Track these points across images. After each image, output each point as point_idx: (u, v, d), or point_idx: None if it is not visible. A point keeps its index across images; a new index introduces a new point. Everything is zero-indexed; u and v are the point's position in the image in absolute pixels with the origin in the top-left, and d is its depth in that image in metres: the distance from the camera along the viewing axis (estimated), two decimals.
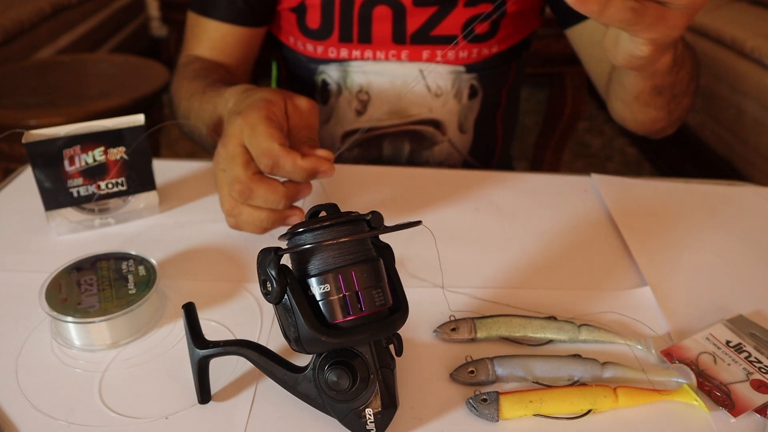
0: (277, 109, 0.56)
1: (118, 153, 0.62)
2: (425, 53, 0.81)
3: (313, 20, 0.81)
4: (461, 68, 0.83)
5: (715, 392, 0.46)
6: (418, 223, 0.41)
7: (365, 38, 0.80)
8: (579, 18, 0.78)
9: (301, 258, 0.40)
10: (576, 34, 0.81)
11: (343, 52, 0.82)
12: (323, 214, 0.43)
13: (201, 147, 0.80)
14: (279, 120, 0.56)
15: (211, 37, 0.82)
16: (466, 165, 0.91)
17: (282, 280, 0.39)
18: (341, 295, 0.39)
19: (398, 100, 0.83)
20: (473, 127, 0.88)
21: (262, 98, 0.56)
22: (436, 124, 0.86)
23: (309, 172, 0.54)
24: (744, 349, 0.50)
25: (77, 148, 0.60)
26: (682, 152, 2.39)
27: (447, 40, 0.80)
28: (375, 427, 0.41)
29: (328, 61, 0.83)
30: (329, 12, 0.80)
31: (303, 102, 0.59)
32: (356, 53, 0.82)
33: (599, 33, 0.76)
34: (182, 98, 0.75)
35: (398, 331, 0.43)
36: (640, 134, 0.80)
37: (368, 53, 0.81)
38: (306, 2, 0.80)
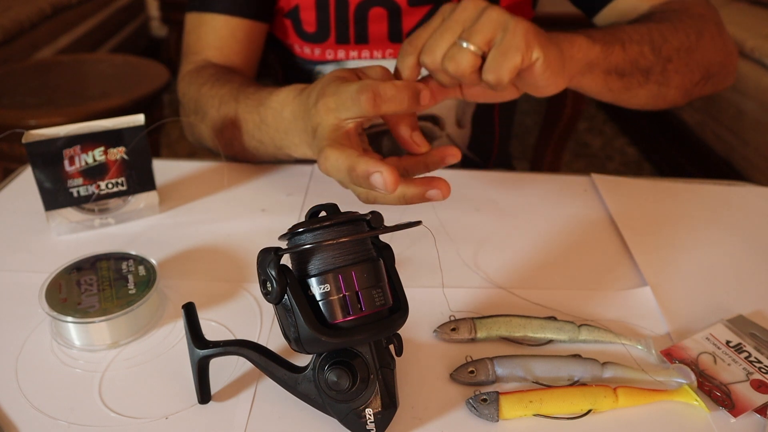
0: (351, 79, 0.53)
1: (118, 153, 0.62)
2: None
3: (309, 23, 0.80)
4: None
5: (715, 392, 0.46)
6: (418, 223, 0.41)
7: (362, 39, 0.80)
8: (604, 1, 0.77)
9: (301, 258, 0.40)
10: (604, 19, 0.79)
11: (341, 53, 0.82)
12: (323, 213, 0.43)
13: (202, 146, 0.79)
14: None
15: (219, 35, 0.80)
16: (465, 160, 0.91)
17: (282, 280, 0.39)
18: (341, 295, 0.39)
19: None
20: (471, 121, 0.88)
21: (333, 77, 0.53)
22: (433, 119, 0.86)
23: (411, 96, 0.48)
24: (744, 349, 0.50)
25: (77, 148, 0.60)
26: (682, 152, 2.39)
27: None
28: (375, 427, 0.41)
29: (325, 62, 0.83)
30: (324, 15, 0.79)
31: (374, 71, 0.54)
32: (353, 53, 0.82)
33: (629, 6, 0.75)
34: (209, 105, 0.72)
35: (398, 331, 0.43)
36: (679, 105, 0.75)
37: (365, 53, 0.81)
38: (300, 5, 0.80)
